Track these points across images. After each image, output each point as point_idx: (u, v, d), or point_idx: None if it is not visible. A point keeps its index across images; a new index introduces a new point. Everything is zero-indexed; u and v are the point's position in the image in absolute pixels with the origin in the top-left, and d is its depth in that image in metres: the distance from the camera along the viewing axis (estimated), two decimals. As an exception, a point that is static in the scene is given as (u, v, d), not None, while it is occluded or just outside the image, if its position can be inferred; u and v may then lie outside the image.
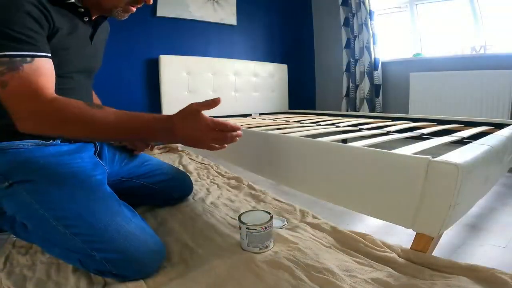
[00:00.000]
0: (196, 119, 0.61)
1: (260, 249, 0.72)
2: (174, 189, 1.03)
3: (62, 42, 0.67)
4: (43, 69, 0.59)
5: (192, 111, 0.62)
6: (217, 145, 0.65)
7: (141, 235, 0.63)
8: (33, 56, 0.57)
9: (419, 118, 1.83)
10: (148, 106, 2.29)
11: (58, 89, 0.67)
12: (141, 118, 0.62)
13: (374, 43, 2.53)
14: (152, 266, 0.63)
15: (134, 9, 0.74)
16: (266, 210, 0.80)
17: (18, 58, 0.55)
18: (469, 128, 1.38)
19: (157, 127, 0.62)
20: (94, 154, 0.84)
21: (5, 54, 0.55)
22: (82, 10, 0.71)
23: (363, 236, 0.78)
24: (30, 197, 0.63)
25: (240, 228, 0.74)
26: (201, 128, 0.61)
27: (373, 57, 2.54)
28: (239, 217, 0.75)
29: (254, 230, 0.71)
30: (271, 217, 0.75)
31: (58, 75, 0.66)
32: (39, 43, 0.59)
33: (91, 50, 0.79)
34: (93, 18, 0.76)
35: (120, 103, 2.10)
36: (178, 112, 0.63)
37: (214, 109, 0.65)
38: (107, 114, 0.60)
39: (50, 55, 0.62)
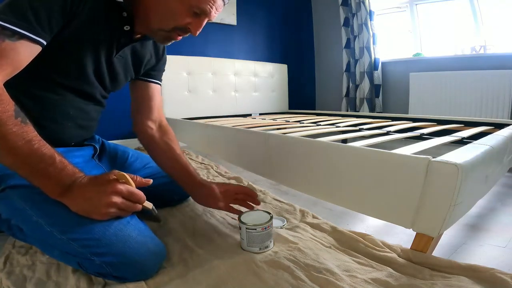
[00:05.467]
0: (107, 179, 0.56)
1: (260, 249, 0.72)
2: (174, 192, 1.02)
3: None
4: (15, 53, 0.53)
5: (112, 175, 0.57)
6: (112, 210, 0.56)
7: (140, 238, 0.62)
8: (22, 37, 0.53)
9: (419, 118, 1.83)
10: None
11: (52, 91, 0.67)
12: (44, 156, 0.53)
13: (374, 43, 2.53)
14: (153, 267, 0.63)
15: (179, 37, 0.69)
16: (266, 210, 0.80)
17: (7, 32, 0.52)
18: (469, 128, 1.38)
19: (51, 173, 0.54)
20: (93, 157, 0.83)
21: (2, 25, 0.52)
22: (125, 14, 0.67)
23: (363, 236, 0.78)
24: (23, 203, 0.61)
25: (240, 228, 0.74)
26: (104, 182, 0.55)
27: (373, 57, 2.54)
28: (239, 217, 0.75)
29: (254, 230, 0.71)
30: (271, 217, 0.75)
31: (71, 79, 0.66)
32: (41, 27, 0.55)
33: (116, 64, 0.75)
34: (136, 36, 0.72)
35: (119, 104, 2.10)
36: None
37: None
38: (21, 136, 0.51)
39: (43, 42, 0.57)
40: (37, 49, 0.57)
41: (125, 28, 0.68)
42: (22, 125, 0.52)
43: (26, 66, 0.56)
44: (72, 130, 0.76)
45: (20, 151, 0.51)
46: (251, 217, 0.76)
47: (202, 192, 0.83)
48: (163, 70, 0.95)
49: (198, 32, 0.66)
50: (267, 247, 0.73)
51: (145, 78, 0.90)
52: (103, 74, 0.74)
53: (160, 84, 0.94)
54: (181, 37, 0.69)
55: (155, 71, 0.91)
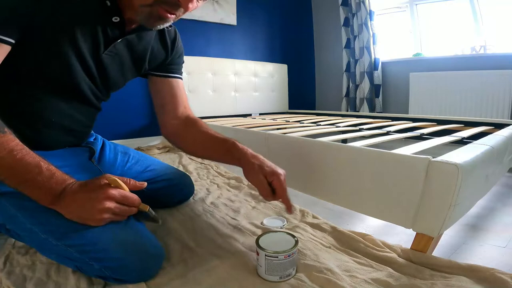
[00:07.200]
0: (99, 183, 0.55)
1: (281, 277, 0.60)
2: (175, 194, 1.01)
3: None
4: None
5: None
6: (107, 214, 0.55)
7: (138, 241, 0.60)
8: None
9: (419, 118, 1.83)
10: (148, 106, 2.30)
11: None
12: (29, 165, 0.51)
13: (374, 43, 2.53)
14: (152, 270, 0.62)
15: (168, 15, 0.57)
16: (290, 233, 0.69)
17: None
18: (469, 128, 1.38)
19: (40, 183, 0.51)
20: (90, 159, 0.80)
21: None
22: (109, 3, 0.58)
23: (363, 236, 0.78)
24: (15, 210, 0.59)
25: (257, 253, 0.62)
26: (97, 188, 0.54)
27: (373, 57, 2.54)
28: (256, 240, 0.64)
29: (275, 258, 0.60)
30: (296, 242, 0.63)
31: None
32: (5, 25, 0.50)
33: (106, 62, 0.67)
34: (129, 28, 0.65)
35: (120, 103, 2.10)
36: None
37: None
38: (1, 147, 0.49)
39: (10, 41, 0.52)
40: (5, 49, 0.52)
41: (113, 19, 0.61)
42: (0, 134, 0.49)
43: None
44: (57, 137, 0.72)
45: (2, 162, 0.49)
46: (271, 240, 0.65)
47: (253, 165, 0.71)
48: (182, 63, 0.86)
49: (190, 5, 0.55)
50: (289, 275, 0.61)
51: (161, 73, 0.81)
52: (92, 74, 0.67)
53: (181, 78, 0.85)
54: (172, 15, 0.58)
55: (172, 65, 0.81)
